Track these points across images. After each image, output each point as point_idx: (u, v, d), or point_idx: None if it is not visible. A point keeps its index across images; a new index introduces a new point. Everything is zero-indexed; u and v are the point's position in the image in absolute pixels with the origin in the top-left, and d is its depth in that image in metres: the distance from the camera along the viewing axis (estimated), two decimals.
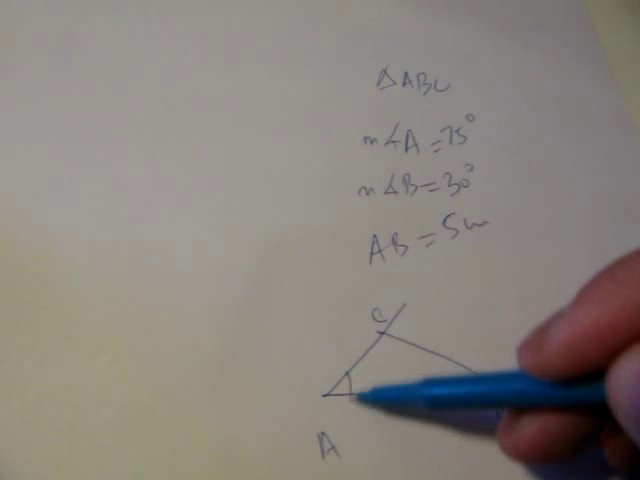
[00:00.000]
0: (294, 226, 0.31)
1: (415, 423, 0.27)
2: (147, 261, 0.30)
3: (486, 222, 0.31)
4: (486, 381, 0.24)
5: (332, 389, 0.28)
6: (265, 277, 0.30)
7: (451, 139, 0.33)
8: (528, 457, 0.24)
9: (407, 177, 0.32)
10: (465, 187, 0.32)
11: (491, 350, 0.29)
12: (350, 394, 0.28)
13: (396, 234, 0.31)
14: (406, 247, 0.31)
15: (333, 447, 0.27)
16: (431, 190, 0.32)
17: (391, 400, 0.27)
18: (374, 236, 0.31)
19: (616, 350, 0.20)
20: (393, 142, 0.33)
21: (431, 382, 0.25)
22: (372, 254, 0.30)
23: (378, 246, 0.30)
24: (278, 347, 0.28)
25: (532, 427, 0.23)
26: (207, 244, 0.30)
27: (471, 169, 0.32)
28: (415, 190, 0.32)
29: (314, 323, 0.29)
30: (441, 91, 0.34)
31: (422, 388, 0.25)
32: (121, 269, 0.30)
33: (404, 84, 0.34)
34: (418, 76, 0.34)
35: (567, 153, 0.33)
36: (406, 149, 0.33)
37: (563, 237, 0.31)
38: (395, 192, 0.32)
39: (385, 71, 0.34)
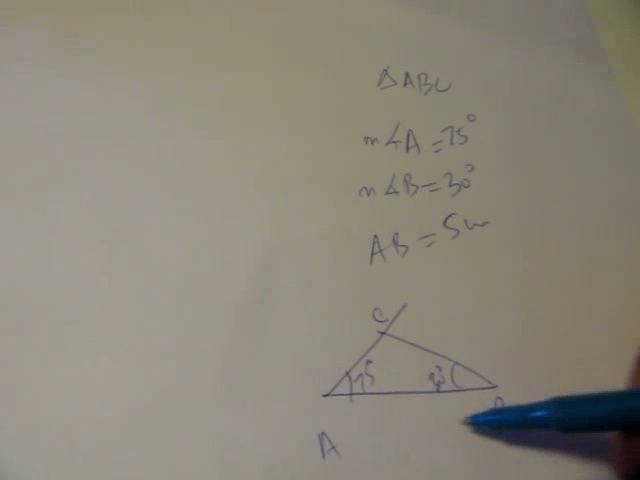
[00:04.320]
0: (294, 226, 0.31)
1: (415, 423, 0.27)
2: (147, 261, 0.30)
3: (487, 222, 0.31)
4: (620, 400, 0.24)
5: (332, 389, 0.28)
6: (265, 277, 0.30)
7: (452, 139, 0.33)
8: None
9: (408, 177, 0.32)
10: (466, 187, 0.32)
11: (491, 350, 0.29)
12: (350, 394, 0.28)
13: (397, 234, 0.31)
14: (407, 247, 0.31)
15: (333, 447, 0.27)
16: (432, 190, 0.32)
17: (511, 422, 0.26)
18: (375, 236, 0.31)
19: None
20: (394, 142, 0.33)
21: (561, 402, 0.24)
22: (373, 254, 0.30)
23: (379, 246, 0.30)
24: (278, 347, 0.28)
25: None
26: (207, 244, 0.30)
27: (472, 169, 0.32)
28: (416, 190, 0.32)
29: (314, 323, 0.29)
30: (442, 91, 0.34)
31: (554, 410, 0.24)
32: (121, 269, 0.30)
33: (405, 84, 0.34)
34: (419, 76, 0.34)
35: (567, 153, 0.33)
36: (407, 149, 0.33)
37: (563, 237, 0.31)
38: (396, 192, 0.32)
39: (386, 71, 0.34)
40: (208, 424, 0.27)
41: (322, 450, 0.27)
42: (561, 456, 0.27)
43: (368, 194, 0.32)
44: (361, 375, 0.28)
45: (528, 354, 0.29)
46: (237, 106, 0.33)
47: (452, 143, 0.33)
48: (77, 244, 0.30)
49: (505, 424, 0.26)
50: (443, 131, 0.33)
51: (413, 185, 0.32)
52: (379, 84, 0.34)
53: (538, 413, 0.25)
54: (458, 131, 0.33)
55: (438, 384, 0.28)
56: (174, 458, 0.27)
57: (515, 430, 0.26)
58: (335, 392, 0.28)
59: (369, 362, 0.28)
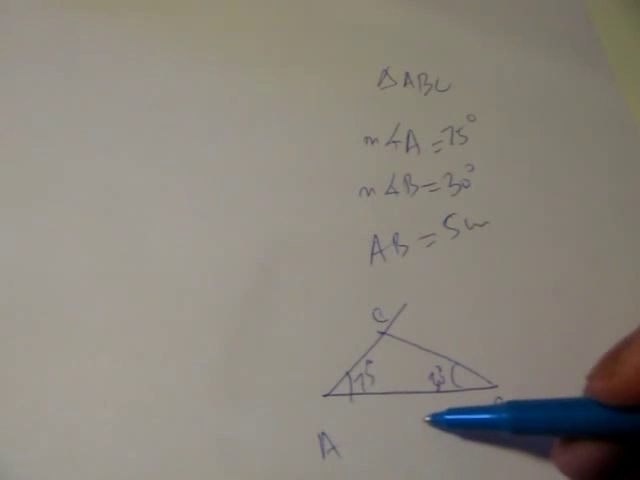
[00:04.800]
0: (294, 226, 0.31)
1: (416, 424, 0.27)
2: (147, 261, 0.30)
3: (487, 222, 0.31)
4: (565, 408, 0.24)
5: (332, 389, 0.28)
6: (265, 277, 0.30)
7: (452, 139, 0.33)
8: (582, 477, 0.24)
9: (408, 177, 0.32)
10: (466, 187, 0.32)
11: (491, 350, 0.29)
12: (350, 394, 0.28)
13: (397, 234, 0.31)
14: (407, 247, 0.31)
15: (333, 447, 0.27)
16: (432, 190, 0.32)
17: (468, 423, 0.27)
18: (375, 236, 0.31)
19: None
20: (394, 142, 0.33)
21: (515, 406, 0.25)
22: (373, 254, 0.30)
23: (379, 246, 0.30)
24: (278, 347, 0.28)
25: (590, 448, 0.24)
26: (207, 244, 0.30)
27: (472, 169, 0.32)
28: (416, 190, 0.32)
29: (314, 323, 0.29)
30: (442, 91, 0.34)
31: (507, 412, 0.25)
32: (121, 269, 0.30)
33: (405, 84, 0.34)
34: (419, 76, 0.34)
35: (567, 153, 0.33)
36: (407, 149, 0.33)
37: (563, 237, 0.31)
38: (396, 192, 0.32)
39: (386, 71, 0.34)
40: (208, 424, 0.27)
41: (322, 450, 0.27)
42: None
43: (368, 194, 0.32)
44: (361, 375, 0.28)
45: (528, 354, 0.29)
46: (237, 105, 0.33)
47: (452, 143, 0.33)
48: (77, 244, 0.30)
49: (460, 424, 0.27)
50: (443, 131, 0.33)
51: (413, 185, 0.32)
52: (379, 84, 0.34)
53: (491, 415, 0.26)
54: (458, 131, 0.33)
55: (438, 384, 0.28)
56: (174, 458, 0.27)
57: (470, 430, 0.27)
58: (335, 392, 0.28)
59: (369, 362, 0.28)
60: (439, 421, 0.27)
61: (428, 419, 0.27)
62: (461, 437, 0.27)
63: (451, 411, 0.27)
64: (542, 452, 0.27)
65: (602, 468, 0.24)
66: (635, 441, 0.23)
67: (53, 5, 0.35)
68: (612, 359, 0.23)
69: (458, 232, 0.31)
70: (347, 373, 0.28)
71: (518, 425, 0.25)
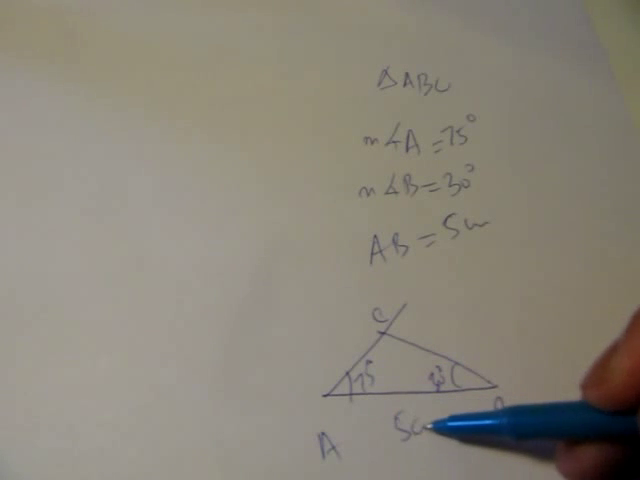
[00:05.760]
0: (294, 226, 0.31)
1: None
2: (147, 261, 0.30)
3: (487, 222, 0.31)
4: (565, 412, 0.25)
5: (332, 389, 0.28)
6: (265, 277, 0.30)
7: (452, 139, 0.33)
8: None
9: (408, 177, 0.32)
10: (466, 187, 0.32)
11: (491, 350, 0.29)
12: (350, 394, 0.28)
13: (397, 234, 0.31)
14: (407, 247, 0.31)
15: (333, 447, 0.27)
16: (432, 190, 0.32)
17: (470, 429, 0.27)
18: (375, 236, 0.31)
19: None
20: (394, 142, 0.33)
21: (515, 411, 0.25)
22: (373, 254, 0.30)
23: (379, 246, 0.30)
24: (278, 347, 0.28)
25: (592, 452, 0.24)
26: (207, 244, 0.30)
27: (472, 169, 0.32)
28: (416, 190, 0.32)
29: (314, 323, 0.29)
30: (442, 91, 0.34)
31: (507, 417, 0.25)
32: (121, 269, 0.30)
33: (405, 84, 0.34)
34: (419, 76, 0.34)
35: (567, 153, 0.33)
36: (407, 149, 0.33)
37: (563, 237, 0.31)
38: (396, 192, 0.32)
39: (386, 71, 0.34)
40: (208, 424, 0.27)
41: (322, 450, 0.27)
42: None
43: (368, 194, 0.32)
44: (361, 375, 0.28)
45: (528, 354, 0.29)
46: (237, 106, 0.33)
47: (452, 143, 0.33)
48: (77, 244, 0.30)
49: (462, 430, 0.27)
50: (443, 131, 0.33)
51: (413, 185, 0.32)
52: (379, 84, 0.34)
53: (492, 421, 0.26)
54: (458, 131, 0.33)
55: (438, 384, 0.28)
56: (174, 458, 0.27)
57: (473, 435, 0.27)
58: (335, 392, 0.28)
59: (369, 362, 0.28)
60: (441, 428, 0.27)
61: (430, 427, 0.27)
62: (461, 438, 0.27)
63: (453, 418, 0.27)
64: (542, 452, 0.27)
65: (605, 471, 0.24)
66: (637, 442, 0.23)
67: (54, 4, 0.35)
68: (601, 366, 0.23)
69: (458, 232, 0.31)
70: (347, 373, 0.28)
71: (518, 430, 0.25)
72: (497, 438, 0.26)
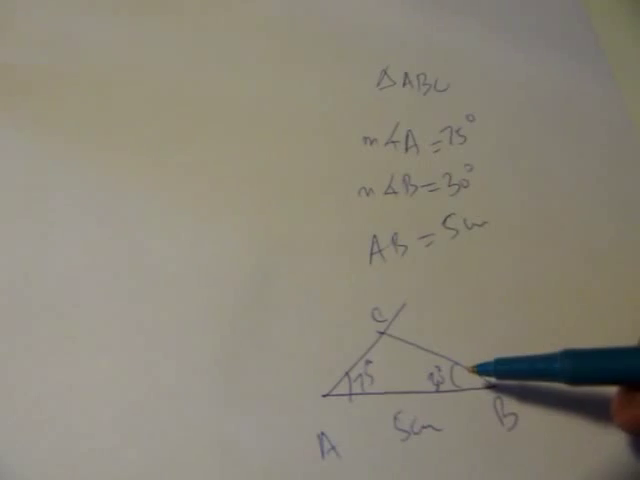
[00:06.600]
0: (294, 226, 0.31)
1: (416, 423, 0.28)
2: (147, 261, 0.30)
3: (486, 222, 0.31)
4: (625, 356, 0.23)
5: (332, 389, 0.28)
6: (265, 277, 0.30)
7: (451, 139, 0.33)
8: None
9: (407, 177, 0.32)
10: (465, 187, 0.32)
11: (491, 350, 0.29)
12: (350, 394, 0.28)
13: (396, 234, 0.31)
14: (406, 247, 0.31)
15: (333, 447, 0.27)
16: (431, 190, 0.32)
17: (519, 374, 0.25)
18: (374, 236, 0.31)
19: None
20: (393, 142, 0.33)
21: (572, 354, 0.24)
22: (372, 254, 0.30)
23: (378, 246, 0.30)
24: (278, 347, 0.28)
25: None
26: (207, 244, 0.30)
27: (471, 169, 0.32)
28: (415, 190, 0.32)
29: (313, 323, 0.29)
30: (441, 91, 0.34)
31: (564, 361, 0.24)
32: (121, 269, 0.30)
33: (404, 84, 0.34)
34: (418, 76, 0.34)
35: (567, 153, 0.33)
36: (406, 149, 0.33)
37: (562, 237, 0.31)
38: (395, 192, 0.32)
39: (385, 71, 0.34)
40: (208, 424, 0.27)
41: (322, 450, 0.27)
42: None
43: (367, 194, 0.32)
44: (361, 375, 0.28)
45: (528, 354, 0.29)
46: (236, 106, 0.33)
47: (451, 143, 0.33)
48: (77, 244, 0.30)
49: (512, 374, 0.26)
50: (442, 131, 0.33)
51: (412, 185, 0.32)
52: (378, 84, 0.34)
53: (546, 364, 0.24)
54: (457, 131, 0.33)
55: (437, 384, 0.28)
56: (174, 458, 0.27)
57: (520, 381, 0.26)
58: (335, 392, 0.28)
59: (368, 362, 0.28)
60: (486, 371, 0.26)
61: (474, 369, 0.26)
62: (460, 437, 0.27)
63: (500, 361, 0.26)
64: (542, 452, 0.27)
65: None
66: None
67: (54, 4, 0.35)
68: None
69: (457, 232, 0.31)
70: (347, 373, 0.28)
71: (576, 374, 0.24)
72: (495, 434, 0.26)
